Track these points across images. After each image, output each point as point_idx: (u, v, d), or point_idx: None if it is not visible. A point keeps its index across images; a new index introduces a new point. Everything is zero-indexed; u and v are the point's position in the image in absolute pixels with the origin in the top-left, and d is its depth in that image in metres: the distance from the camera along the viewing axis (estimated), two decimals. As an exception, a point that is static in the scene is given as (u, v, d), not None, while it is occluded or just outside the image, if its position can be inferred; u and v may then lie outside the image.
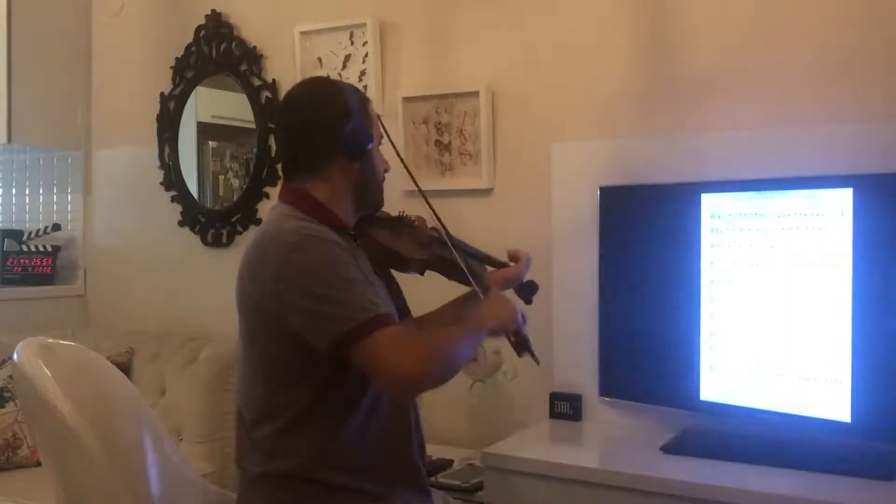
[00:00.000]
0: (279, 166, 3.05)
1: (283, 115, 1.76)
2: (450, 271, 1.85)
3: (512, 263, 1.99)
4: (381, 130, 1.78)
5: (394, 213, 1.89)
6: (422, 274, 1.85)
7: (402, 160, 1.85)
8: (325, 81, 1.85)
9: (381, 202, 1.81)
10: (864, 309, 1.94)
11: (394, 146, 1.80)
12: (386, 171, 1.80)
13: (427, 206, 1.81)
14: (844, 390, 1.96)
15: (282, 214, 1.67)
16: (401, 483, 1.68)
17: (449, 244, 1.80)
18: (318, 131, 1.68)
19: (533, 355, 1.82)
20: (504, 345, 2.37)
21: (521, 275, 1.99)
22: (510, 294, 1.93)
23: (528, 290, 2.01)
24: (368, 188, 1.74)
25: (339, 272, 1.55)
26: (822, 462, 1.94)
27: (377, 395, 1.65)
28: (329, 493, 1.60)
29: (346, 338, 1.50)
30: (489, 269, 1.97)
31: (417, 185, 1.87)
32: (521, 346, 1.81)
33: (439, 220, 1.81)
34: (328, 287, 1.53)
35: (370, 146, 1.71)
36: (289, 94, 1.77)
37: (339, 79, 1.85)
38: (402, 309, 1.85)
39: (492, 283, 1.83)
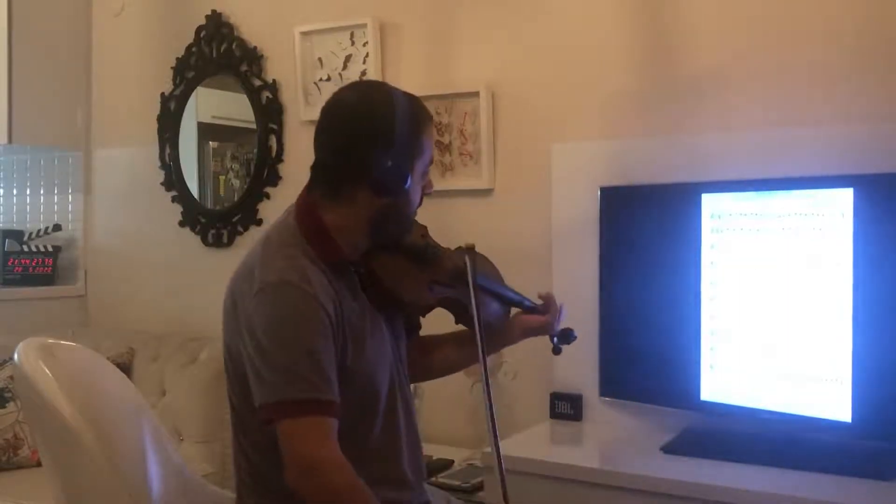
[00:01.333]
0: (280, 166, 3.10)
1: (326, 118, 1.57)
2: (461, 316, 1.70)
3: (539, 303, 1.85)
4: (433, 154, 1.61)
5: (420, 230, 1.72)
6: (423, 316, 1.74)
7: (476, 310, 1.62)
8: (381, 95, 1.57)
9: (409, 233, 1.65)
10: (864, 309, 1.94)
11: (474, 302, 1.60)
12: (427, 194, 1.64)
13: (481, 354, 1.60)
14: (845, 390, 1.96)
15: (281, 236, 1.56)
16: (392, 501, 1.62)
17: (471, 288, 1.60)
18: (353, 153, 1.52)
19: None
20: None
21: (552, 325, 1.84)
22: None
23: (562, 340, 1.87)
24: (394, 223, 1.59)
25: (298, 334, 1.43)
26: (822, 462, 1.94)
27: (366, 442, 1.57)
28: None
29: (273, 408, 1.42)
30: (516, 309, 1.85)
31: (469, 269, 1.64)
32: None
33: (472, 263, 1.63)
34: (279, 346, 1.43)
35: (407, 186, 1.54)
36: (338, 96, 1.60)
37: (399, 91, 1.59)
38: (412, 325, 1.77)
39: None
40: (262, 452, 1.57)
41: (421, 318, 1.79)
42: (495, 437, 1.55)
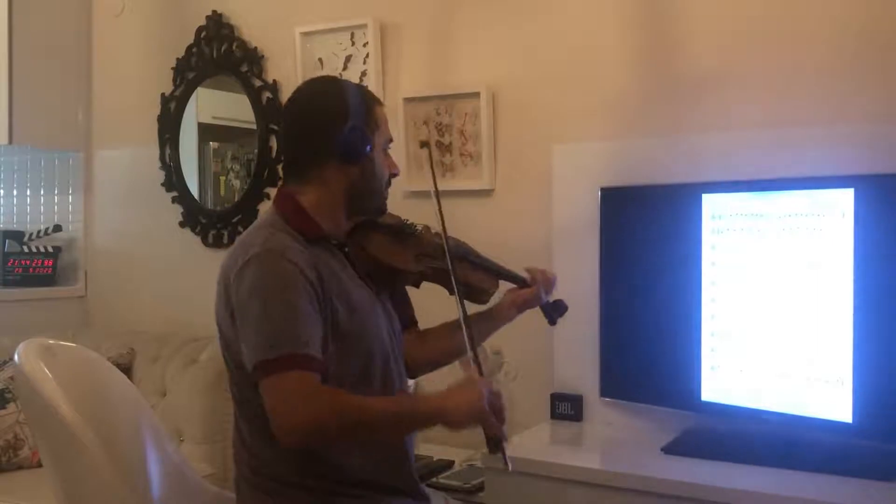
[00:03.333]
0: (280, 167, 3.09)
1: (284, 116, 1.74)
2: (451, 286, 1.77)
3: (527, 276, 1.93)
4: (390, 134, 1.75)
5: (396, 216, 1.83)
6: (417, 286, 1.81)
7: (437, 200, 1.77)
8: (328, 81, 1.79)
9: (382, 208, 1.76)
10: (865, 309, 1.93)
11: (434, 178, 1.77)
12: (394, 175, 1.76)
13: (439, 216, 1.76)
14: (846, 391, 1.96)
15: (260, 224, 1.65)
16: (394, 489, 1.66)
17: (447, 255, 1.72)
18: (313, 132, 1.66)
19: (504, 456, 1.60)
20: (505, 345, 2.38)
21: (539, 296, 1.91)
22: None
23: (552, 310, 1.92)
24: (367, 193, 1.70)
25: (282, 295, 1.50)
26: (823, 463, 1.94)
27: (357, 390, 1.60)
28: (320, 499, 1.58)
29: (260, 366, 1.47)
30: (510, 285, 1.93)
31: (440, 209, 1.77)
32: (491, 443, 1.60)
33: (444, 231, 1.76)
34: (265, 308, 1.49)
35: (369, 149, 1.66)
36: (293, 93, 1.75)
37: (346, 79, 1.78)
38: (408, 318, 1.84)
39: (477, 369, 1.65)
40: (264, 440, 1.57)
41: (416, 316, 1.88)
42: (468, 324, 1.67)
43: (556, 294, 2.02)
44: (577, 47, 2.54)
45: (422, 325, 1.92)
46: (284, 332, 1.47)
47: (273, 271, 1.52)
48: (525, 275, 1.94)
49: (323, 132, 1.64)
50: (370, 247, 1.72)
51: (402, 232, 1.79)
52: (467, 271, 1.82)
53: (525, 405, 2.57)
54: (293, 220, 1.63)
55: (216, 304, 1.64)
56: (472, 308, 1.82)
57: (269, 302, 1.50)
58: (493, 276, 1.90)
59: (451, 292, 1.79)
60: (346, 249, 1.70)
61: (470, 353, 1.65)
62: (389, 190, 1.77)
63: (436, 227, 1.79)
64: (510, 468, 1.61)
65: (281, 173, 1.74)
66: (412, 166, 2.76)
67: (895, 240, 1.92)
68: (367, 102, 1.70)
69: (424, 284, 1.83)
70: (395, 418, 1.54)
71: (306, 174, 1.67)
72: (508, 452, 1.60)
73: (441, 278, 1.79)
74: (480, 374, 1.65)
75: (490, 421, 1.57)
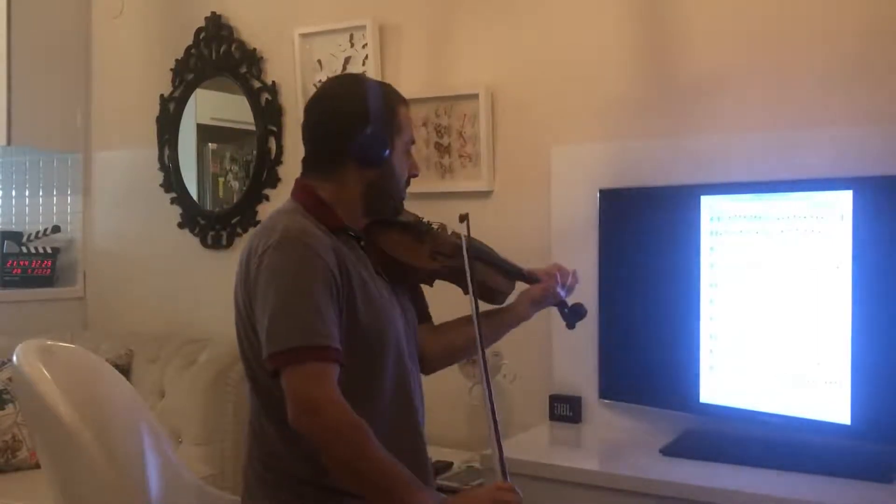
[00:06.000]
0: (279, 168, 3.10)
1: (306, 111, 1.73)
2: (466, 286, 1.75)
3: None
4: (413, 135, 1.74)
5: (413, 214, 1.82)
6: (430, 284, 1.82)
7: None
8: (352, 81, 1.77)
9: (399, 208, 1.76)
10: (863, 311, 1.94)
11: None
12: (413, 175, 1.76)
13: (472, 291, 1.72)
14: (844, 393, 1.96)
15: (281, 210, 1.66)
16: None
17: (465, 256, 1.71)
18: (333, 134, 1.66)
19: None
20: (504, 347, 2.38)
21: (553, 291, 1.89)
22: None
23: (571, 314, 1.91)
24: (383, 195, 1.70)
25: (302, 283, 1.50)
26: (821, 464, 1.94)
27: (379, 400, 1.62)
28: (336, 499, 1.57)
29: (276, 357, 1.47)
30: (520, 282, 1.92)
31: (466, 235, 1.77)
32: None
33: (468, 231, 1.76)
34: (286, 295, 1.50)
35: (387, 155, 1.66)
36: (317, 90, 1.75)
37: (370, 78, 1.77)
38: (421, 312, 1.84)
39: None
40: (283, 435, 1.56)
41: (430, 311, 1.87)
42: (495, 422, 1.58)
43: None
44: (577, 49, 2.54)
45: (435, 322, 1.91)
46: (302, 321, 1.48)
47: (293, 258, 1.52)
48: (537, 275, 1.93)
49: (342, 135, 1.64)
50: (384, 243, 1.72)
51: (418, 230, 1.79)
52: (483, 271, 1.81)
53: (524, 407, 2.57)
54: (313, 209, 1.64)
55: (235, 290, 1.63)
56: (488, 306, 1.83)
57: (288, 290, 1.50)
58: (509, 278, 1.89)
59: (466, 292, 1.77)
60: (362, 243, 1.70)
61: (481, 363, 1.62)
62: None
63: (452, 227, 1.81)
64: None
65: (301, 166, 1.72)
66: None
67: (894, 242, 1.92)
68: (390, 104, 1.68)
69: (438, 282, 1.83)
70: (390, 482, 1.47)
71: (326, 171, 1.67)
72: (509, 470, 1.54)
73: (456, 277, 1.78)
74: (504, 475, 1.57)
75: None
